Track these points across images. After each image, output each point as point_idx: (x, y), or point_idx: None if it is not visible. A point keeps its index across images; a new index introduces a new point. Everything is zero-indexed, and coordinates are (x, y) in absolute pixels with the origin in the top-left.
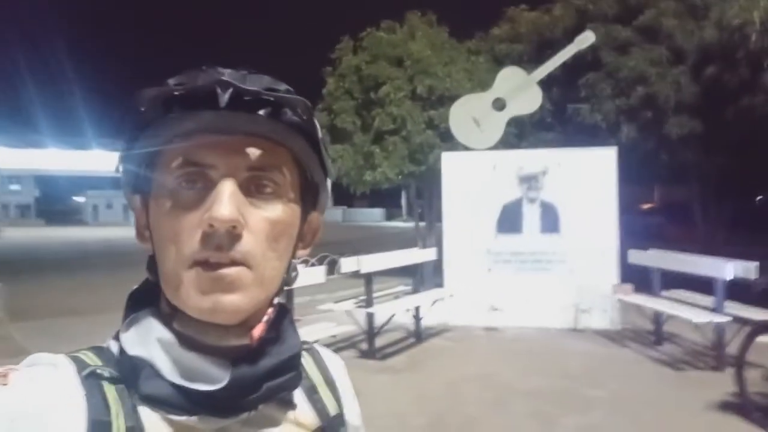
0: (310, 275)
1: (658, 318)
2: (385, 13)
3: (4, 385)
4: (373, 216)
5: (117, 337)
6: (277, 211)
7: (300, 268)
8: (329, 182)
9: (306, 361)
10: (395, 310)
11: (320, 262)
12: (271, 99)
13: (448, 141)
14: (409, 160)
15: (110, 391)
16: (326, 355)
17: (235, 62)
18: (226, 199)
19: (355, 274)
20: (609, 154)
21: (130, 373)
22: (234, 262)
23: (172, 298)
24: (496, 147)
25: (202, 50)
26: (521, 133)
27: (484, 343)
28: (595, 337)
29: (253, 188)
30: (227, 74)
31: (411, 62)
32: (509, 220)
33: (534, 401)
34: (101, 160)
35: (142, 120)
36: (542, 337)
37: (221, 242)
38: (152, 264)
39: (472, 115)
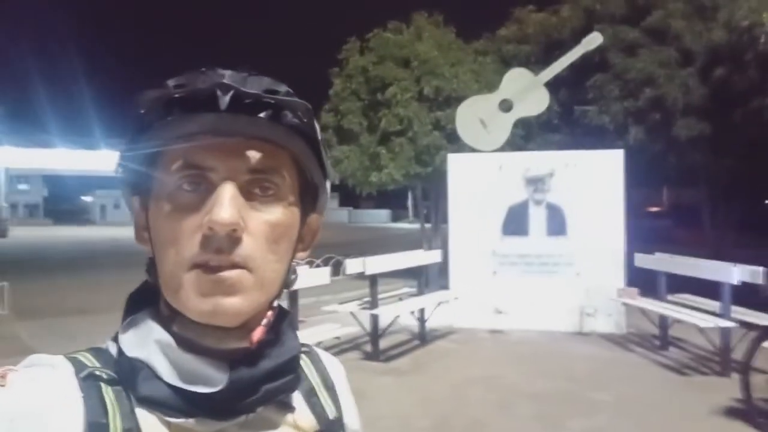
0: (315, 276)
1: (663, 322)
2: (391, 13)
3: (3, 386)
4: (379, 217)
5: (115, 339)
6: (277, 213)
7: (305, 269)
8: (328, 183)
9: (305, 363)
10: (400, 311)
11: (325, 263)
12: (272, 101)
13: (455, 142)
14: (416, 161)
15: (108, 392)
16: (325, 358)
17: (241, 62)
18: (227, 203)
19: (360, 276)
20: (616, 156)
21: (129, 375)
22: (234, 265)
23: (172, 301)
24: (502, 148)
25: (207, 50)
26: (528, 134)
27: (489, 346)
28: (600, 341)
29: (253, 191)
30: (227, 76)
31: (418, 63)
32: (515, 222)
33: (539, 404)
34: (109, 160)
35: (142, 122)
36: (547, 340)
37: (221, 245)
38: (151, 266)
39: (478, 117)
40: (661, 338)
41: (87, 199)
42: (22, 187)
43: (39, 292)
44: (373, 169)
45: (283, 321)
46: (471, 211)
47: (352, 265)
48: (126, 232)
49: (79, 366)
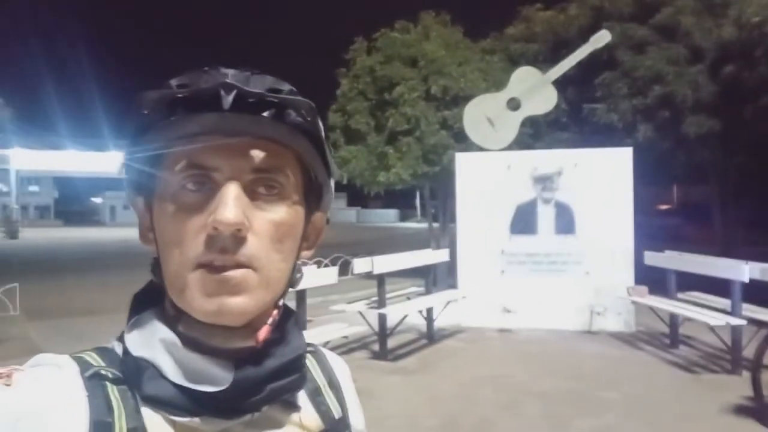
0: (322, 276)
1: (673, 320)
2: (399, 13)
3: (8, 385)
4: (387, 217)
5: (121, 338)
6: (281, 212)
7: (313, 268)
8: (332, 182)
9: (311, 363)
10: (408, 311)
11: (333, 263)
12: (275, 101)
13: (462, 141)
14: (423, 160)
15: (113, 391)
16: (331, 357)
17: (247, 62)
18: (231, 203)
19: (368, 275)
20: (625, 154)
21: (134, 374)
22: (239, 265)
23: (177, 301)
24: (510, 147)
25: (213, 50)
26: (536, 133)
27: (497, 345)
28: (609, 340)
29: (257, 190)
30: (231, 75)
31: (425, 62)
32: (523, 220)
33: (547, 403)
34: (118, 161)
35: (145, 122)
36: (556, 339)
37: (226, 245)
38: (156, 266)
39: (486, 116)
40: (671, 336)
41: (97, 200)
42: (33, 188)
43: (49, 293)
44: (380, 169)
45: (289, 320)
46: (479, 210)
47: (360, 265)
48: (135, 233)
49: (84, 365)
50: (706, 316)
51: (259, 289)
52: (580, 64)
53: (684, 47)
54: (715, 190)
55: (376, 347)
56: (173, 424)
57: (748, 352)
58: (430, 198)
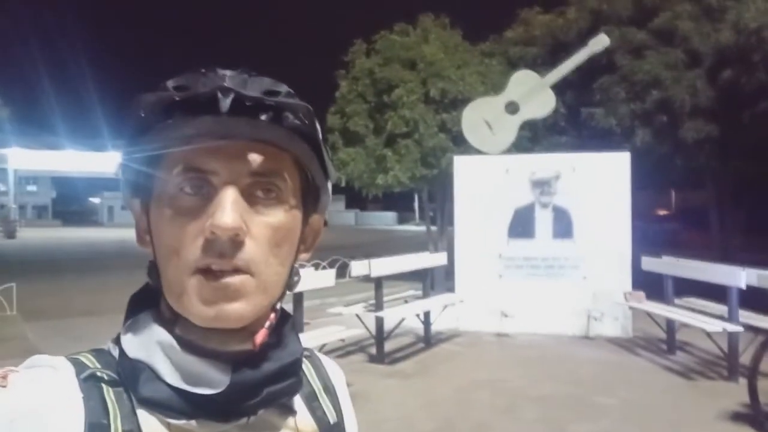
0: (320, 279)
1: (670, 326)
2: (398, 16)
3: (3, 386)
4: (385, 219)
5: (117, 340)
6: (279, 216)
7: (310, 271)
8: (330, 184)
9: (306, 368)
10: (405, 314)
11: (331, 265)
12: (273, 104)
13: (461, 144)
14: (422, 163)
15: (109, 393)
16: (326, 362)
17: (246, 64)
18: (229, 207)
19: (366, 278)
20: (623, 158)
21: (130, 376)
22: (237, 270)
23: (175, 306)
24: (508, 151)
25: (212, 51)
26: (534, 137)
27: (494, 349)
28: (606, 345)
29: (255, 194)
30: (228, 78)
31: (424, 65)
32: (521, 224)
33: (544, 408)
34: (115, 162)
35: (142, 124)
36: (553, 344)
37: (224, 250)
38: (153, 269)
39: (484, 119)
40: (667, 342)
41: (95, 200)
42: (31, 188)
43: (46, 293)
44: (379, 172)
45: (286, 324)
46: (477, 213)
47: (358, 268)
48: (133, 234)
49: (80, 367)
50: (703, 322)
51: (256, 294)
52: (578, 67)
53: (682, 52)
54: (713, 196)
55: (373, 350)
56: (169, 426)
57: (745, 358)
58: (429, 201)
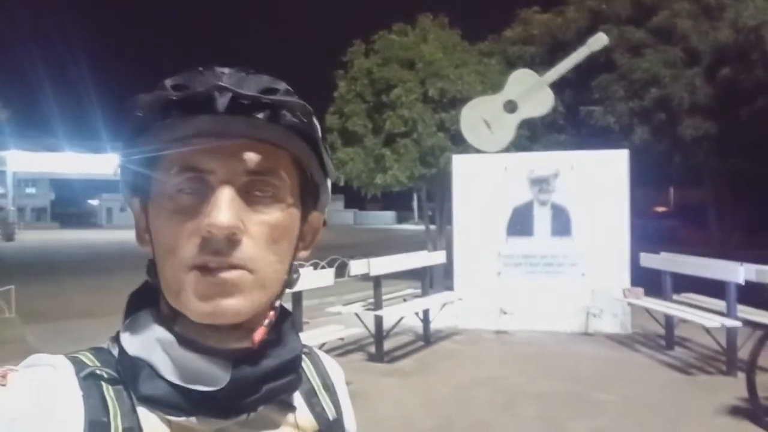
0: (319, 278)
1: (669, 322)
2: (396, 15)
3: (3, 385)
4: (384, 219)
5: (116, 338)
6: (276, 214)
7: (309, 270)
8: (329, 182)
9: (306, 365)
10: (404, 313)
11: (330, 264)
12: (270, 102)
13: (460, 144)
14: (420, 162)
15: (108, 391)
16: (325, 360)
17: (246, 63)
18: (225, 206)
19: (365, 277)
20: (621, 156)
21: (130, 374)
22: (233, 267)
23: (174, 303)
24: (507, 149)
25: (211, 51)
26: (533, 135)
27: (493, 347)
28: (605, 341)
29: (252, 192)
30: (225, 76)
31: (422, 65)
32: (520, 222)
33: (543, 405)
34: (114, 163)
35: (140, 124)
36: (552, 341)
37: (220, 248)
38: (152, 267)
39: (483, 118)
40: (666, 338)
41: (93, 202)
42: (30, 190)
43: (45, 295)
44: (377, 171)
45: (285, 321)
46: (475, 212)
47: (357, 267)
48: (132, 236)
49: (79, 365)
50: (702, 318)
51: (254, 290)
52: (577, 66)
53: (681, 50)
54: (711, 193)
55: (372, 349)
56: (169, 423)
57: (743, 353)
58: (427, 200)
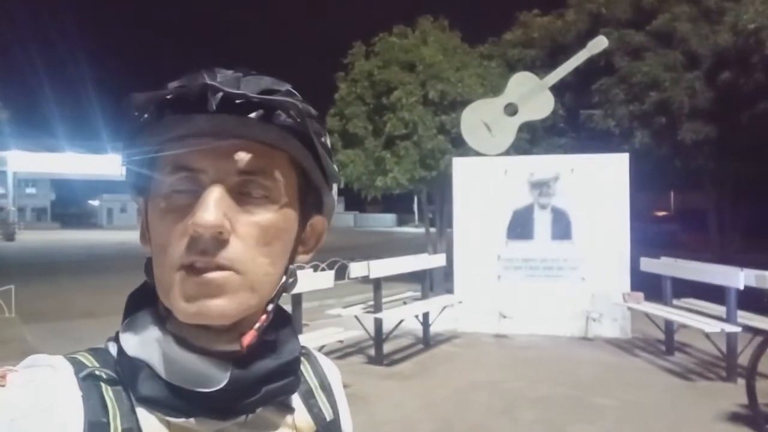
0: (319, 280)
1: (669, 327)
2: (397, 18)
3: (2, 386)
4: (384, 221)
5: (115, 339)
6: (268, 215)
7: (309, 272)
8: (335, 186)
9: (303, 366)
10: (404, 315)
11: (330, 267)
12: (264, 102)
13: (460, 146)
14: (421, 165)
15: (108, 392)
16: (323, 361)
17: (247, 64)
18: (211, 205)
19: (365, 279)
20: (622, 160)
21: (129, 375)
22: (220, 267)
23: (165, 302)
24: (507, 152)
25: (213, 51)
26: (533, 138)
27: (493, 350)
28: (605, 346)
29: (244, 193)
30: (220, 77)
31: (423, 67)
32: (520, 226)
33: (542, 409)
34: (116, 164)
35: (137, 124)
36: (552, 345)
37: (206, 247)
38: (149, 266)
39: (483, 121)
40: (666, 343)
41: (94, 203)
42: (30, 191)
43: (45, 296)
44: (378, 173)
45: (284, 323)
46: (476, 215)
47: (357, 269)
48: (132, 236)
49: (78, 366)
50: (702, 323)
51: (241, 291)
52: (577, 69)
53: (681, 53)
54: (712, 197)
55: (371, 352)
56: (168, 424)
57: (743, 359)
58: (428, 203)
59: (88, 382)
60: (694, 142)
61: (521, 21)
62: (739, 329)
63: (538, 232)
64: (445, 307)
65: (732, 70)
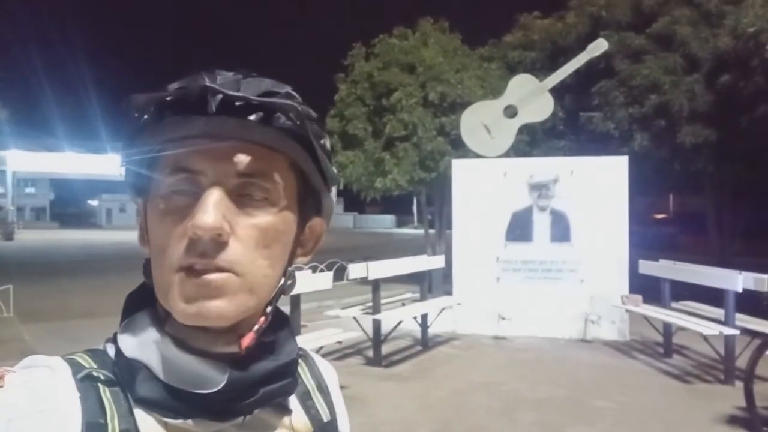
0: (317, 281)
1: (667, 329)
2: (397, 19)
3: (0, 387)
4: (384, 222)
5: (113, 340)
6: (268, 218)
7: (307, 273)
8: (333, 188)
9: (300, 367)
10: (402, 317)
11: (329, 268)
12: (263, 104)
13: (459, 148)
14: (420, 166)
15: (105, 393)
16: (319, 362)
17: (247, 66)
18: (210, 207)
19: (364, 281)
20: (621, 162)
21: (127, 376)
22: (219, 270)
23: (163, 303)
24: (507, 154)
25: (213, 52)
26: (533, 140)
27: (491, 352)
28: (603, 348)
29: (243, 195)
30: (220, 78)
31: (423, 69)
32: (519, 228)
33: (541, 411)
34: (115, 164)
35: (137, 125)
36: (550, 347)
37: (206, 249)
38: (148, 268)
39: (483, 123)
40: (664, 346)
41: (93, 202)
42: (29, 190)
43: (44, 295)
44: (377, 175)
45: (282, 325)
46: (475, 216)
47: (356, 270)
48: (132, 237)
49: (76, 367)
50: (700, 326)
51: (240, 293)
52: (577, 72)
53: (680, 57)
54: (711, 200)
55: (370, 353)
56: (166, 425)
57: (741, 362)
58: (427, 204)
59: (86, 383)
60: (693, 145)
61: (521, 23)
62: (737, 332)
63: (537, 234)
64: (443, 309)
65: (732, 73)
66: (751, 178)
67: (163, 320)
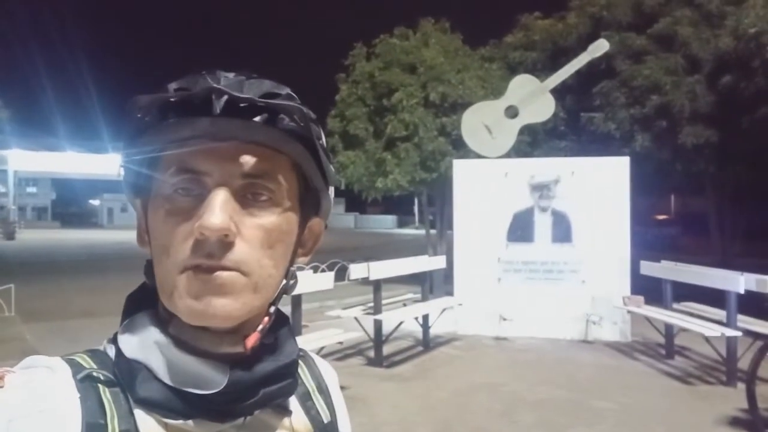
0: (319, 281)
1: (669, 330)
2: (398, 19)
3: (0, 387)
4: (385, 223)
5: (113, 340)
6: (272, 218)
7: (309, 274)
8: (332, 188)
9: (301, 368)
10: (404, 317)
11: (330, 268)
12: (267, 106)
13: (461, 148)
14: (421, 167)
15: (105, 394)
16: (320, 363)
17: (248, 66)
18: (218, 208)
19: (365, 281)
20: (622, 163)
21: (127, 376)
22: (226, 269)
23: (167, 303)
24: (508, 155)
25: (213, 52)
26: (534, 141)
27: (492, 353)
28: (605, 349)
29: (248, 196)
30: (224, 80)
31: (424, 69)
32: (520, 228)
33: (542, 412)
34: (117, 163)
35: (140, 125)
36: (552, 348)
37: (213, 250)
38: (149, 268)
39: (484, 123)
40: (666, 347)
41: (94, 202)
42: (31, 190)
43: (45, 295)
44: (378, 175)
45: (282, 325)
46: (476, 217)
47: (357, 270)
48: (133, 236)
49: (76, 367)
50: (702, 327)
51: (246, 292)
52: (578, 72)
53: (682, 57)
54: (712, 201)
55: (371, 353)
56: (166, 426)
57: (743, 363)
58: (428, 205)
59: (86, 383)
60: (694, 145)
61: (522, 23)
62: (739, 333)
63: (539, 235)
64: (444, 309)
65: (733, 74)
66: (752, 178)
67: (165, 321)
